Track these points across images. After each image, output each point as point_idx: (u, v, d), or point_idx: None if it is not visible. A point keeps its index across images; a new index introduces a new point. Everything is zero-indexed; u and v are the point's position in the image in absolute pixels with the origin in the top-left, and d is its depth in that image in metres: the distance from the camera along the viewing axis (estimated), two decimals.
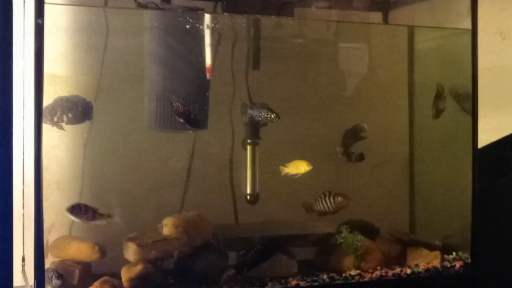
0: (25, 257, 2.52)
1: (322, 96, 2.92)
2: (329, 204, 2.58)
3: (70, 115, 2.32)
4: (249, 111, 2.60)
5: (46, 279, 2.24)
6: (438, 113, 2.78)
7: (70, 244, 2.42)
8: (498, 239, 2.93)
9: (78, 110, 2.34)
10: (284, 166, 2.58)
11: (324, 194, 2.60)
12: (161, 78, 2.55)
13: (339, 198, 2.58)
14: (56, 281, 2.24)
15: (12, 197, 2.02)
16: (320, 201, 2.60)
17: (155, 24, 2.55)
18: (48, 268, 2.28)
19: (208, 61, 2.45)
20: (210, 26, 2.52)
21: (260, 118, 2.57)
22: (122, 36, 2.59)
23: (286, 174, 2.57)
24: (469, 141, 2.71)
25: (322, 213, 2.61)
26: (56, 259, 2.41)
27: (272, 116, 2.54)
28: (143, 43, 2.55)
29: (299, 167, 2.56)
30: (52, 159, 2.38)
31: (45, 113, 2.18)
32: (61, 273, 2.26)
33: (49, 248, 2.37)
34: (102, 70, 2.55)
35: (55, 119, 2.31)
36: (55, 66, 2.44)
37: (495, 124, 3.09)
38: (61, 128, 2.32)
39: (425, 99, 2.95)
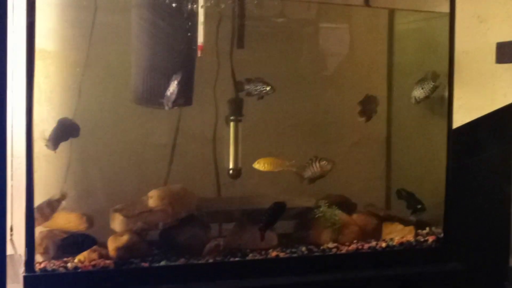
0: (13, 227, 2.58)
1: (303, 74, 2.98)
2: (315, 169, 2.67)
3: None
4: (246, 86, 2.67)
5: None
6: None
7: (59, 214, 2.47)
8: (470, 215, 3.04)
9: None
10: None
11: (311, 159, 2.69)
12: (148, 54, 2.59)
13: (324, 162, 2.68)
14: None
15: (5, 169, 2.07)
16: (307, 167, 2.69)
17: (143, 1, 2.59)
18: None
19: (200, 39, 2.50)
20: (197, 3, 2.56)
21: (256, 92, 2.64)
22: (110, 12, 2.64)
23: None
24: (445, 121, 2.80)
25: (312, 179, 2.70)
26: (45, 229, 2.47)
27: (267, 88, 2.62)
28: (131, 20, 2.59)
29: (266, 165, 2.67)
30: (41, 132, 2.43)
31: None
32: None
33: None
34: (90, 45, 2.60)
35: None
36: (45, 41, 2.49)
37: (470, 106, 3.17)
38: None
39: (403, 80, 3.04)
